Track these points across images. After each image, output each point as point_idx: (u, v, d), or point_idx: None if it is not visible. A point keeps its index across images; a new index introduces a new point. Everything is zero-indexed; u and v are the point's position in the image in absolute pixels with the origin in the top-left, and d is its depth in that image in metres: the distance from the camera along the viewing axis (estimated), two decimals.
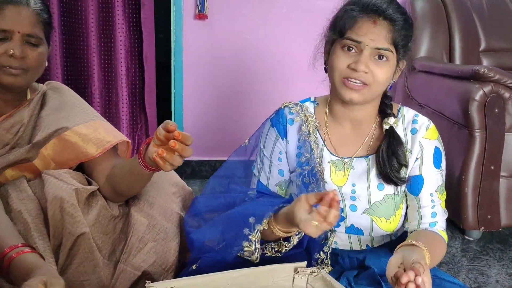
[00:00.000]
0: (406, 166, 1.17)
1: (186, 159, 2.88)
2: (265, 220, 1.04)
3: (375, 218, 1.18)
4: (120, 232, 1.18)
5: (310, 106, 1.26)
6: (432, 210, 1.17)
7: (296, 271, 1.03)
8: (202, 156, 2.69)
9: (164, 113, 2.66)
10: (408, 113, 1.22)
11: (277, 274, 1.02)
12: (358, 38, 1.09)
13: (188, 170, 2.69)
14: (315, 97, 1.28)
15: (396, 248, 1.04)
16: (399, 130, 1.19)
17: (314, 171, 1.18)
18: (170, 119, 2.61)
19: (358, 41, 1.09)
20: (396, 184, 1.16)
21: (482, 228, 2.00)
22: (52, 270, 0.93)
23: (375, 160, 1.18)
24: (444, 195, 1.21)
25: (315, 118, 1.23)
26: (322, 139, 1.22)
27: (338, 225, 1.19)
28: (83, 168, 1.27)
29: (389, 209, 1.18)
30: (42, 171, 1.16)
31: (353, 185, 1.18)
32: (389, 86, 1.18)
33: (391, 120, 1.19)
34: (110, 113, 2.45)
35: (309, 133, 1.21)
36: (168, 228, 1.24)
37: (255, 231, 1.04)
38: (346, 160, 1.20)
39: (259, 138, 1.28)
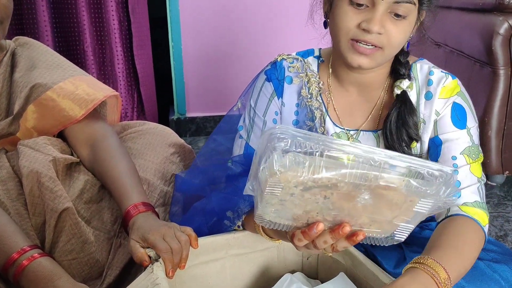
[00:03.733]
0: (418, 140, 0.96)
1: (190, 116, 2.74)
2: (243, 217, 0.92)
3: None
4: (109, 199, 1.06)
5: (313, 62, 1.04)
6: None
7: None
8: (206, 112, 2.57)
9: (163, 67, 2.52)
10: (422, 71, 0.98)
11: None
12: None
13: (192, 128, 2.58)
14: (319, 50, 1.06)
15: (404, 268, 0.78)
16: (412, 96, 0.97)
17: None
18: (170, 74, 2.49)
19: None
20: None
21: (507, 172, 1.87)
22: (71, 279, 0.84)
23: (383, 133, 0.97)
24: (480, 158, 0.95)
25: (319, 78, 1.02)
26: (325, 106, 1.02)
27: None
28: (63, 136, 1.14)
29: None
30: (19, 142, 1.04)
31: None
32: (406, 44, 0.95)
33: (405, 84, 0.96)
34: (105, 71, 2.31)
35: (311, 97, 1.00)
36: (168, 193, 1.14)
37: (235, 225, 0.93)
38: (351, 132, 1.01)
39: (249, 94, 1.08)
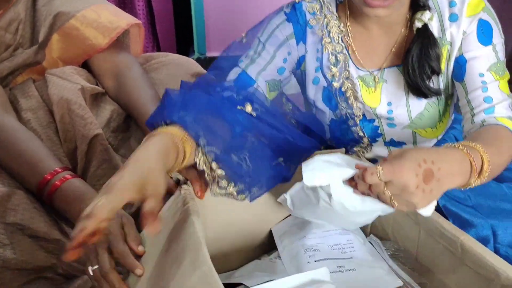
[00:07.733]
0: (439, 73, 0.94)
1: (211, 55, 2.69)
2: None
3: (419, 131, 1.02)
4: (136, 128, 1.08)
5: (332, 2, 0.98)
6: (484, 94, 0.89)
7: None
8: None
9: (183, 5, 2.48)
10: None
11: None
12: None
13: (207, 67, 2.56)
14: None
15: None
16: (434, 24, 0.93)
17: (343, 89, 0.98)
18: (190, 13, 2.43)
19: None
20: (426, 97, 0.95)
21: None
22: None
23: (404, 69, 0.94)
24: (506, 76, 0.92)
25: (339, 19, 0.97)
26: (347, 49, 0.98)
27: (374, 141, 1.04)
28: (87, 67, 1.15)
29: (434, 117, 1.00)
30: (46, 71, 1.06)
31: (389, 104, 0.99)
32: None
33: (426, 16, 0.91)
34: (125, 8, 2.28)
35: (332, 40, 0.97)
36: None
37: None
38: (375, 73, 0.98)
39: (259, 31, 1.01)
